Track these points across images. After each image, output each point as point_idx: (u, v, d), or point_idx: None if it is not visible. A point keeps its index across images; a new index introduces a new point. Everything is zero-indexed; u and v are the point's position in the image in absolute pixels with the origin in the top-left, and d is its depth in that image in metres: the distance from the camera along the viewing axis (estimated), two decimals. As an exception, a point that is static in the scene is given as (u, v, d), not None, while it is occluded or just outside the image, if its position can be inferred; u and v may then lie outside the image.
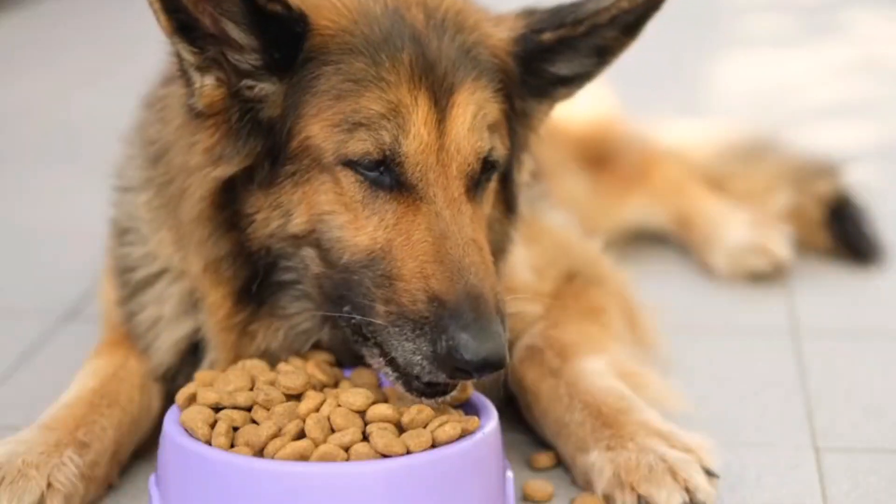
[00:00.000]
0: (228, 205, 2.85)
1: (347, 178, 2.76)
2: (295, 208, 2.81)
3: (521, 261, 3.34)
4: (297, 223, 2.81)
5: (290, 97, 2.78)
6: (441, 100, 2.77)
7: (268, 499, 2.53)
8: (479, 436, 2.68)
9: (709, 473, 2.81)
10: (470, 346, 2.60)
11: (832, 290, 4.19)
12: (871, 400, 3.42)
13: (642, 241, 4.57)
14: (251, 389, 2.78)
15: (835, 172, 4.54)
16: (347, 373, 2.96)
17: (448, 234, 2.71)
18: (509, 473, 2.81)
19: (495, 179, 2.95)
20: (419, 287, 2.68)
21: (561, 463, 3.03)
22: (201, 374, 2.87)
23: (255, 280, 2.89)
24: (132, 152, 3.24)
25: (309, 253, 2.84)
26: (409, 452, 2.60)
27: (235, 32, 2.75)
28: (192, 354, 3.11)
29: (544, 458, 3.04)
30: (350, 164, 2.75)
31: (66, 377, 3.19)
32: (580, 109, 4.46)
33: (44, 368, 3.65)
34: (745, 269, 4.27)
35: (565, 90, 3.09)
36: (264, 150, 2.80)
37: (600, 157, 4.49)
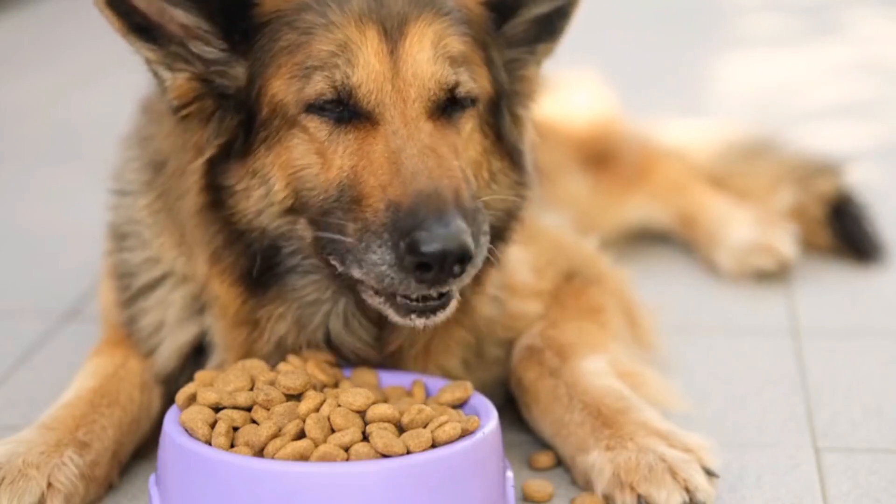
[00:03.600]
0: (216, 188, 2.89)
1: (312, 123, 2.83)
2: (271, 172, 2.85)
3: (521, 261, 3.34)
4: (278, 190, 2.85)
5: (253, 66, 2.85)
6: (393, 32, 2.83)
7: (268, 499, 2.53)
8: (479, 436, 2.68)
9: (709, 473, 2.81)
10: (424, 238, 2.63)
11: (832, 290, 4.19)
12: (870, 400, 3.42)
13: (642, 240, 4.57)
14: (251, 389, 2.78)
15: (836, 171, 4.54)
16: (347, 373, 2.96)
17: (404, 147, 2.77)
18: (509, 473, 2.81)
19: (488, 129, 2.97)
20: (379, 198, 2.73)
21: (561, 463, 3.03)
22: (201, 374, 2.87)
23: (255, 264, 2.91)
24: (130, 155, 3.26)
25: (301, 224, 2.87)
26: (409, 452, 2.60)
27: (184, 17, 2.82)
28: (195, 358, 3.11)
29: (544, 458, 3.04)
30: (311, 108, 2.82)
31: (65, 377, 3.19)
32: (581, 109, 4.47)
33: (44, 368, 3.65)
34: (751, 268, 4.27)
35: (548, 36, 3.11)
36: (239, 123, 2.86)
37: (601, 157, 4.49)
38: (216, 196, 2.89)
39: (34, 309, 4.08)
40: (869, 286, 4.22)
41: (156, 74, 2.87)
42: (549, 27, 3.10)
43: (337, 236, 2.76)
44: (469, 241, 2.65)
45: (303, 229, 2.87)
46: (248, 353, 2.98)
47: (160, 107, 3.04)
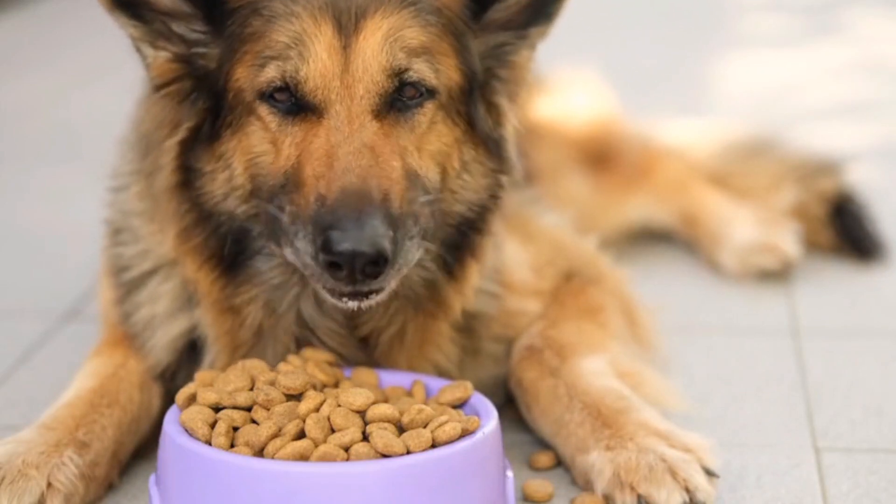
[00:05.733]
0: (187, 168, 2.93)
1: (264, 111, 2.86)
2: (233, 158, 2.90)
3: (520, 260, 3.34)
4: (238, 174, 2.90)
5: (223, 51, 2.90)
6: (348, 26, 2.85)
7: (268, 499, 2.53)
8: (479, 436, 2.68)
9: (709, 473, 2.81)
10: (336, 238, 2.66)
11: (832, 290, 4.19)
12: (870, 400, 3.41)
13: (641, 240, 4.56)
14: (251, 389, 2.78)
15: (837, 170, 4.54)
16: (347, 373, 2.96)
17: (342, 143, 2.79)
18: (509, 473, 2.81)
19: (458, 118, 2.96)
20: (312, 190, 2.76)
21: (561, 463, 3.03)
22: (201, 374, 2.87)
23: (225, 245, 2.95)
24: (125, 150, 3.29)
25: (256, 206, 2.90)
26: (409, 452, 2.60)
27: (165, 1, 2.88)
28: (190, 353, 3.11)
29: (544, 458, 3.04)
30: (263, 97, 2.85)
31: (65, 377, 3.19)
32: (580, 109, 4.47)
33: (43, 368, 3.65)
34: (755, 268, 4.26)
35: (542, 19, 3.07)
36: (209, 107, 2.91)
37: (602, 157, 4.49)
38: (187, 176, 2.94)
39: (34, 309, 4.08)
40: (869, 286, 4.22)
41: (139, 51, 2.94)
42: (543, 10, 3.06)
43: (277, 214, 2.81)
44: (384, 243, 2.66)
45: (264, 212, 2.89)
46: (233, 342, 3.00)
47: (146, 88, 3.09)
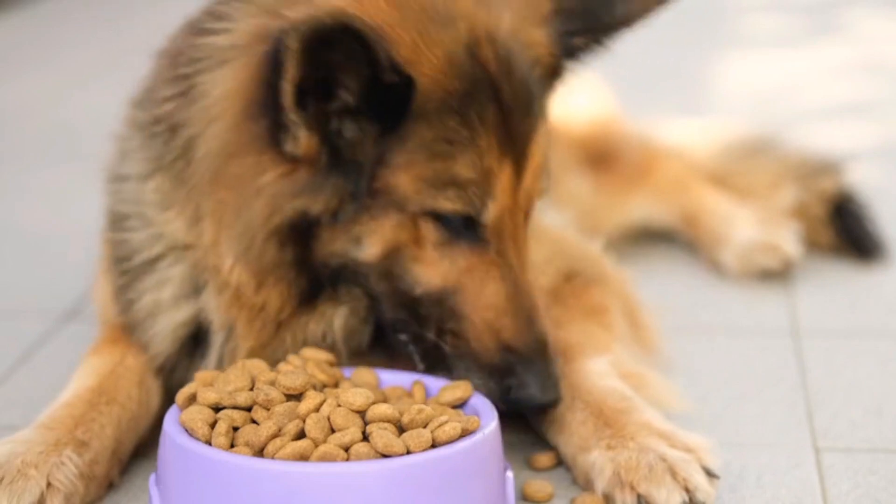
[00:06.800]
0: (301, 232, 2.86)
1: (427, 224, 2.84)
2: (367, 238, 2.85)
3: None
4: (370, 252, 2.86)
5: (380, 144, 2.80)
6: (520, 159, 2.86)
7: (268, 499, 2.53)
8: (479, 436, 2.68)
9: (709, 474, 2.81)
10: (535, 392, 2.83)
11: (833, 290, 4.19)
12: (871, 400, 3.41)
13: (641, 240, 4.56)
14: (251, 389, 2.77)
15: (837, 170, 4.54)
16: (347, 373, 2.96)
17: (519, 285, 2.85)
18: (509, 473, 2.81)
19: None
20: (491, 337, 2.84)
21: (561, 463, 3.03)
22: (201, 374, 2.87)
23: (317, 286, 2.93)
24: (131, 132, 3.17)
25: (374, 276, 2.90)
26: (409, 452, 2.60)
27: (345, 97, 2.76)
28: (191, 345, 3.09)
29: (544, 458, 3.04)
30: (433, 214, 2.83)
31: (65, 377, 3.19)
32: (581, 109, 4.47)
33: (43, 368, 3.65)
34: (756, 267, 4.26)
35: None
36: (347, 189, 2.81)
37: (602, 157, 4.48)
38: (297, 237, 2.86)
39: (34, 309, 4.07)
40: (869, 286, 4.22)
41: (288, 129, 2.77)
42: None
43: (438, 342, 2.89)
44: (561, 388, 2.90)
45: (375, 280, 2.90)
46: (266, 345, 3.00)
47: (203, 82, 2.90)
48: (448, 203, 2.81)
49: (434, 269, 2.87)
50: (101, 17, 8.78)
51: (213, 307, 3.03)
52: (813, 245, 4.40)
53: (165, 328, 3.09)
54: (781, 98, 6.57)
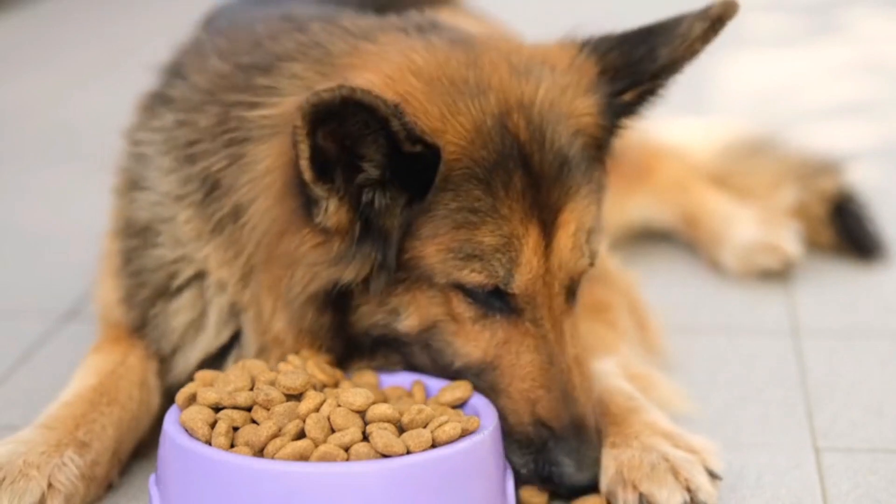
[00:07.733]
0: (337, 299, 2.86)
1: (457, 298, 2.82)
2: (404, 310, 2.85)
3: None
4: (408, 324, 2.86)
5: (406, 213, 2.78)
6: (549, 225, 2.81)
7: (268, 499, 2.52)
8: (479, 436, 2.68)
9: (712, 475, 2.81)
10: (572, 474, 2.77)
11: (833, 290, 4.19)
12: (871, 400, 3.41)
13: (641, 240, 4.56)
14: (251, 389, 2.77)
15: (838, 170, 4.54)
16: (347, 373, 2.96)
17: (554, 357, 2.81)
18: (510, 473, 2.81)
19: None
20: (526, 410, 2.81)
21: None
22: (201, 374, 2.87)
23: (353, 351, 2.95)
24: (152, 137, 3.15)
25: (415, 347, 2.90)
26: (409, 452, 2.60)
27: (370, 169, 2.74)
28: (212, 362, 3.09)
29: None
30: (461, 287, 2.80)
31: (65, 377, 3.19)
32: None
33: (43, 368, 3.65)
34: (756, 267, 4.26)
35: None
36: (376, 258, 2.80)
37: (601, 157, 4.48)
38: (335, 303, 2.87)
39: (34, 309, 4.07)
40: (869, 286, 4.22)
41: (317, 203, 2.77)
42: None
43: None
44: (598, 467, 2.81)
45: (416, 352, 2.91)
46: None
47: (249, 126, 2.92)
48: (473, 275, 2.77)
49: (472, 342, 2.85)
50: (101, 17, 8.78)
51: (247, 343, 3.04)
52: (813, 245, 4.40)
53: (198, 352, 3.09)
54: (782, 98, 6.57)
